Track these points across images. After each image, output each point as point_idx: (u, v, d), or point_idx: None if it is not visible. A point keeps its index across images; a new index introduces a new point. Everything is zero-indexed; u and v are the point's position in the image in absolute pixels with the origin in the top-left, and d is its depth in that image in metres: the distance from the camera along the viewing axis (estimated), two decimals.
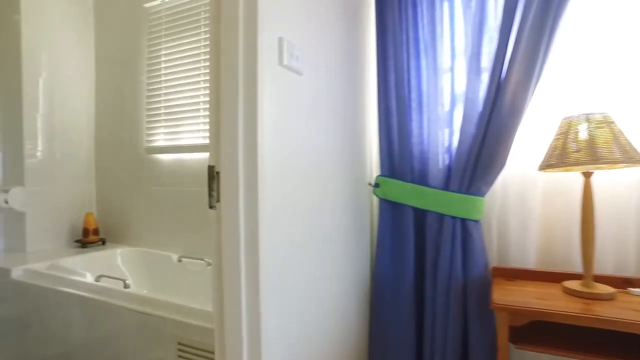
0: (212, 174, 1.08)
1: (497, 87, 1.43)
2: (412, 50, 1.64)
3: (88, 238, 2.67)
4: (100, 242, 2.72)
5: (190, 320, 1.47)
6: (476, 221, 1.51)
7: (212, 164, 1.09)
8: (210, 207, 1.08)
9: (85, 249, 2.60)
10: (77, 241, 2.67)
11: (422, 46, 1.63)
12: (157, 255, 2.49)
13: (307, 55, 1.25)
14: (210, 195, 1.08)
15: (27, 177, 2.51)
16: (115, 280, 1.88)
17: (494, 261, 1.60)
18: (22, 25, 2.49)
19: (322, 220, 1.35)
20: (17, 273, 2.13)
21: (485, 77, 1.48)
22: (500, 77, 1.42)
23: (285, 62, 1.11)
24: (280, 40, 1.10)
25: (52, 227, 2.63)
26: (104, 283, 1.86)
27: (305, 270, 1.24)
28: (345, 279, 1.55)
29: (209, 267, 2.29)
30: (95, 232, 2.71)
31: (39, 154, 2.56)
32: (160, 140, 2.52)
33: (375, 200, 1.86)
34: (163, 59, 2.50)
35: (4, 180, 2.64)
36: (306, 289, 1.24)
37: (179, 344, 1.48)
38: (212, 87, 1.07)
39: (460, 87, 1.58)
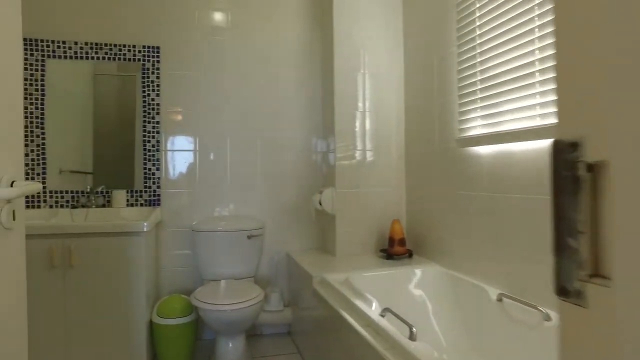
0: (578, 171, 0.30)
1: None
2: None
3: (393, 249, 2.30)
4: (406, 255, 2.31)
5: None
6: None
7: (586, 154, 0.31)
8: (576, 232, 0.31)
9: (389, 261, 2.24)
10: (383, 251, 2.36)
11: None
12: (468, 285, 1.80)
13: None
14: (573, 208, 0.31)
15: (338, 178, 2.39)
16: (402, 323, 1.34)
17: None
18: (335, 20, 2.40)
19: None
20: (316, 280, 1.97)
21: None
22: None
23: None
24: None
25: (360, 233, 2.42)
26: (386, 322, 1.36)
27: None
28: None
29: (548, 324, 1.41)
30: (402, 242, 2.31)
31: (351, 153, 2.40)
32: (476, 128, 1.83)
33: None
34: (477, 23, 1.78)
35: (323, 179, 2.65)
36: None
37: None
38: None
39: None
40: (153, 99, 2.43)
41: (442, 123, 2.09)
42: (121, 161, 2.41)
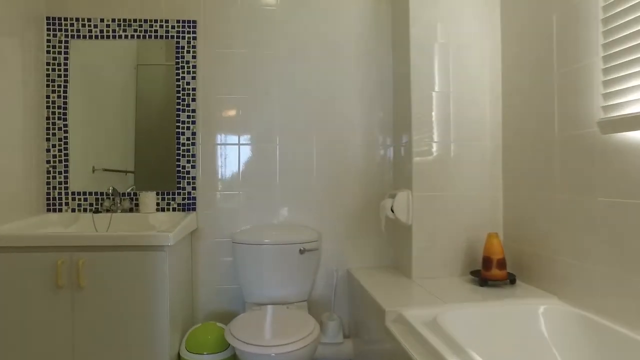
0: None
1: None
2: None
3: (490, 272, 1.72)
4: (506, 281, 1.73)
5: None
6: None
7: None
8: None
9: (484, 289, 1.67)
10: (474, 273, 1.79)
11: None
12: (612, 334, 1.20)
13: None
14: None
15: (416, 178, 1.85)
16: None
17: None
18: None
19: None
20: (390, 317, 1.45)
21: None
22: None
23: None
24: None
25: (444, 249, 1.86)
26: None
27: None
28: None
29: None
30: (501, 264, 1.73)
31: (431, 148, 1.86)
32: (637, 103, 1.22)
33: None
34: None
35: (393, 181, 2.12)
36: None
37: None
38: None
39: None
40: (188, 83, 2.03)
41: (568, 101, 1.49)
42: (166, 159, 2.04)
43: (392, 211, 1.87)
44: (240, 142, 2.05)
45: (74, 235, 1.52)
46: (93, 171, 2.02)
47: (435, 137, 1.86)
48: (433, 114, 1.86)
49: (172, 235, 1.52)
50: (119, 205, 1.94)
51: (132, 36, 2.02)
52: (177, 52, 2.02)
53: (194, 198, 2.02)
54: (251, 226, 2.04)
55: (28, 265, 1.49)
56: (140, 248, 1.51)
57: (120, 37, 2.02)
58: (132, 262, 1.51)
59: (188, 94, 2.02)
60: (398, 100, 2.04)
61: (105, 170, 2.03)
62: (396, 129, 2.07)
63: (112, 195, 1.92)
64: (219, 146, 2.05)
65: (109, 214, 1.90)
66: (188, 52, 2.03)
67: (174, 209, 2.02)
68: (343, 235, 2.09)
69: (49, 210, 1.98)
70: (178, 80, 2.02)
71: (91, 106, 2.01)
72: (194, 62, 2.03)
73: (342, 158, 2.09)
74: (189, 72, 2.02)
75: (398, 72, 2.04)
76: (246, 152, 2.06)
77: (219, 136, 2.05)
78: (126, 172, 2.02)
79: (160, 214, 1.97)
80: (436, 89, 1.86)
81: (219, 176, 2.05)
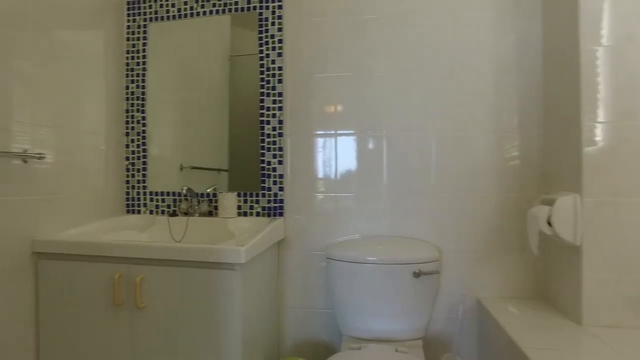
0: None
1: None
2: None
3: None
4: None
5: None
6: None
7: None
8: None
9: None
10: None
11: None
12: None
13: None
14: None
15: (588, 176, 1.25)
16: None
17: None
18: None
19: None
20: None
21: None
22: None
23: None
24: None
25: (636, 283, 1.23)
26: None
27: None
28: None
29: None
30: None
31: (613, 128, 1.24)
32: None
33: None
34: None
35: (545, 180, 1.52)
36: None
37: None
38: None
39: None
40: (273, 61, 1.68)
41: None
42: (249, 154, 1.73)
43: (549, 224, 1.29)
44: (337, 132, 1.64)
45: (127, 244, 1.25)
46: (181, 169, 1.79)
47: (618, 115, 1.23)
48: (613, 78, 1.24)
49: (245, 251, 1.16)
50: (196, 207, 1.67)
51: (210, 12, 1.74)
52: (260, 26, 1.69)
53: (281, 201, 1.67)
54: (351, 237, 1.62)
55: (87, 276, 1.27)
56: (205, 265, 1.19)
57: (197, 14, 1.75)
58: (196, 280, 1.19)
59: (273, 75, 1.67)
60: (553, 65, 1.44)
61: (194, 168, 1.78)
62: (549, 107, 1.48)
63: (188, 196, 1.65)
64: (310, 137, 1.66)
65: (185, 218, 1.64)
66: (273, 24, 1.68)
67: (257, 214, 1.69)
68: (471, 253, 1.55)
69: (128, 211, 1.80)
70: (262, 58, 1.68)
71: (175, 98, 1.78)
72: (280, 35, 1.67)
73: (471, 151, 1.55)
74: (273, 49, 1.67)
75: (554, 24, 1.44)
76: (345, 144, 1.64)
77: (310, 125, 1.66)
78: (219, 170, 1.75)
79: (242, 219, 1.65)
80: (615, 41, 1.24)
81: (311, 174, 1.66)
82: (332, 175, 1.65)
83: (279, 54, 1.67)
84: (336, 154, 1.65)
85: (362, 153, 1.63)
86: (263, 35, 1.68)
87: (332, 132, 1.65)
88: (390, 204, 1.60)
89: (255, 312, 1.35)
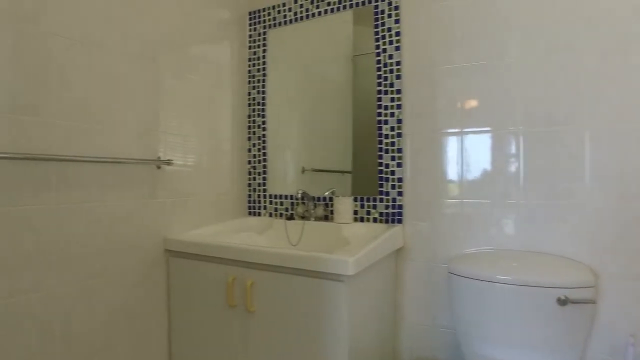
0: None
1: None
2: None
3: None
4: None
5: None
6: None
7: None
8: None
9: None
10: None
11: None
12: None
13: None
14: None
15: None
16: None
17: None
18: None
19: None
20: None
21: None
22: None
23: None
24: None
25: None
26: None
27: None
28: None
29: None
30: None
31: None
32: None
33: None
34: None
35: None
36: None
37: None
38: None
39: None
40: (391, 56, 1.56)
41: None
42: (367, 157, 1.65)
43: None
44: (463, 130, 1.45)
45: (237, 248, 1.28)
46: (302, 172, 1.80)
47: None
48: None
49: (354, 262, 1.07)
50: (312, 211, 1.65)
51: (325, 11, 1.70)
52: (376, 20, 1.58)
53: (400, 206, 1.54)
54: (479, 250, 1.42)
55: (207, 275, 1.36)
56: (312, 274, 1.14)
57: (313, 15, 1.73)
58: (303, 288, 1.15)
59: (391, 71, 1.56)
60: None
61: (316, 170, 1.78)
62: None
63: (303, 199, 1.64)
64: (434, 136, 1.50)
65: (302, 222, 1.63)
66: (389, 16, 1.56)
67: (374, 220, 1.59)
68: None
69: (250, 213, 1.88)
70: (378, 54, 1.58)
71: (295, 101, 1.80)
72: (397, 28, 1.54)
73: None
74: (390, 42, 1.55)
75: None
76: (472, 143, 1.44)
77: (434, 123, 1.50)
78: (342, 172, 1.72)
79: (358, 224, 1.58)
80: None
81: (434, 177, 1.50)
82: (459, 178, 1.46)
83: (397, 48, 1.54)
84: (461, 155, 1.45)
85: (493, 153, 1.40)
86: (379, 29, 1.58)
87: (457, 130, 1.46)
88: (528, 212, 1.35)
89: (366, 324, 1.26)
